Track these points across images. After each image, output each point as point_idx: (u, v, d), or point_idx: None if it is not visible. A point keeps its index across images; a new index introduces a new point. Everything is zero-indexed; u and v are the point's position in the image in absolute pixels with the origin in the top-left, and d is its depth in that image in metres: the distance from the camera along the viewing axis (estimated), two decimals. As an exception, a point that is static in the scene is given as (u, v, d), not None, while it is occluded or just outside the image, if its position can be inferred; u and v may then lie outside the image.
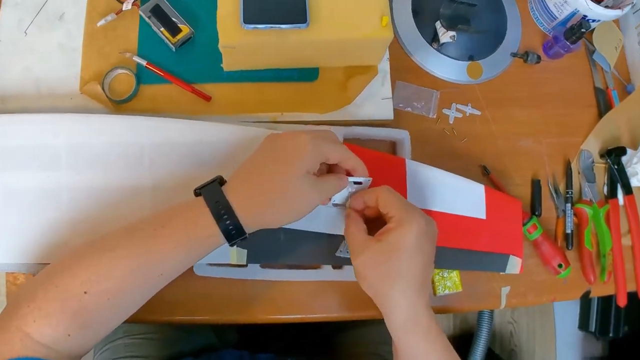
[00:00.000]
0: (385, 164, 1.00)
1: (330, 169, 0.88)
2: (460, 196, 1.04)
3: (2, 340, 0.69)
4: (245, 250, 0.94)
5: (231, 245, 0.78)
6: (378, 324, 1.24)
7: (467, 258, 1.03)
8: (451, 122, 1.16)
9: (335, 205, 0.93)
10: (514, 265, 1.05)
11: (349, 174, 0.86)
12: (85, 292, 0.70)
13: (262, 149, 0.82)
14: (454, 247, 1.02)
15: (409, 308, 0.81)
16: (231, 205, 0.75)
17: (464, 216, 1.03)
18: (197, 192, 0.79)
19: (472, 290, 1.08)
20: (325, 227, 0.95)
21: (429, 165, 1.03)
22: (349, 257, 0.90)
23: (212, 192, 0.77)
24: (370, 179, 0.88)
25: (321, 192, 0.81)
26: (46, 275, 0.73)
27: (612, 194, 1.18)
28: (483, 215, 1.04)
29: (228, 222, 0.74)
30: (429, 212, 1.00)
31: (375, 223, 0.86)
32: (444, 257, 1.01)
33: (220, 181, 0.79)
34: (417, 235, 0.80)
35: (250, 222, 0.76)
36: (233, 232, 0.76)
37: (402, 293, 0.81)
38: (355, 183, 0.89)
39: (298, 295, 1.01)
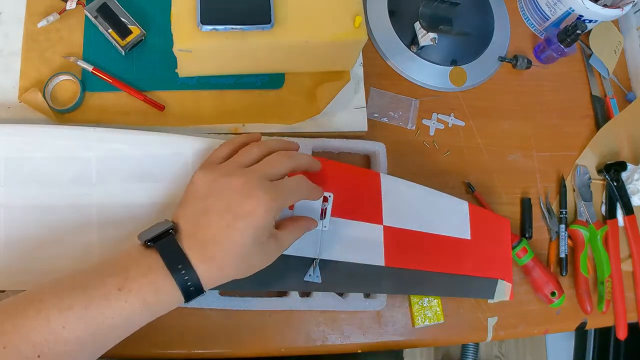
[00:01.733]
0: (358, 179, 1.02)
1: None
2: (442, 214, 1.06)
3: None
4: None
5: (186, 302, 0.80)
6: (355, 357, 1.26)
7: (449, 283, 1.05)
8: (432, 134, 1.20)
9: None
10: (503, 290, 1.08)
11: None
12: (38, 356, 0.70)
13: (207, 182, 0.84)
14: (435, 271, 1.04)
15: None
16: (191, 263, 0.77)
17: (446, 236, 1.06)
18: (149, 244, 0.80)
19: (456, 320, 1.10)
20: (293, 249, 0.96)
21: (407, 181, 1.05)
22: (319, 282, 0.94)
23: (169, 249, 0.78)
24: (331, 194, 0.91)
25: (282, 248, 0.86)
26: None
27: (611, 214, 1.21)
28: (467, 236, 1.07)
29: (189, 282, 0.76)
30: (406, 232, 1.03)
31: None
32: (424, 283, 1.03)
33: (173, 230, 0.81)
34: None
35: (209, 280, 0.79)
36: (192, 291, 0.78)
37: None
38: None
39: (262, 326, 1.03)
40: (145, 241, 0.79)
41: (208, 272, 0.78)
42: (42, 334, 0.70)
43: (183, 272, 0.76)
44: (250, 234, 0.79)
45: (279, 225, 0.88)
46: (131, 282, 0.75)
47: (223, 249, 0.78)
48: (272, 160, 0.86)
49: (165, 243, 0.78)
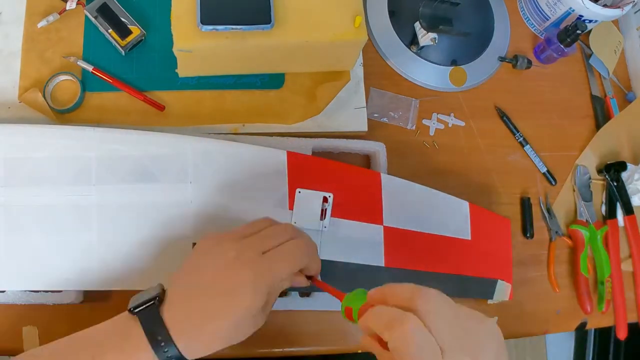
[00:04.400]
0: (358, 179, 1.02)
1: None
2: (442, 215, 1.06)
3: None
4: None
5: None
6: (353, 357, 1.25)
7: (449, 284, 1.05)
8: (432, 134, 1.20)
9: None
10: (503, 291, 1.08)
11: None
12: None
13: (197, 263, 0.82)
14: (436, 271, 1.05)
15: None
16: (171, 337, 0.74)
17: (446, 237, 1.06)
18: (132, 312, 0.77)
19: None
20: None
21: (408, 181, 1.05)
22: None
23: (151, 319, 0.76)
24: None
25: (269, 310, 0.84)
26: None
27: (611, 214, 1.21)
28: (468, 236, 1.07)
29: (169, 355, 0.74)
30: (407, 233, 1.03)
31: None
32: (424, 283, 1.01)
33: (159, 299, 0.78)
34: None
35: (191, 354, 0.76)
36: None
37: None
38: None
39: (262, 326, 1.01)
40: (129, 309, 0.77)
41: (190, 347, 0.75)
42: None
43: (163, 344, 0.73)
44: (238, 314, 0.76)
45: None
46: (105, 354, 0.74)
47: (210, 324, 0.76)
48: (271, 229, 0.84)
49: (147, 313, 0.76)
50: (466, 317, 0.69)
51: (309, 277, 0.88)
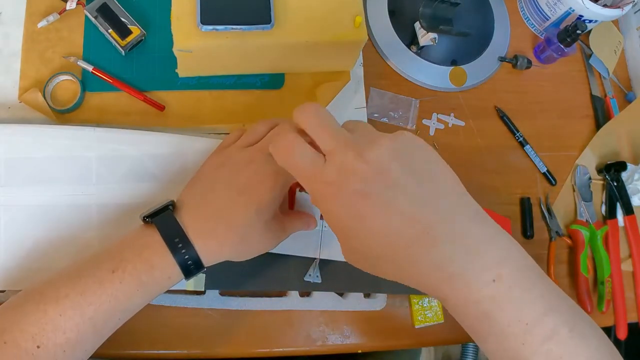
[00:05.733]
0: None
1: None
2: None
3: None
4: (204, 275, 0.96)
5: (187, 279, 0.79)
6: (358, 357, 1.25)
7: (449, 284, 1.05)
8: (432, 134, 1.19)
9: None
10: (502, 292, 1.08)
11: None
12: (38, 347, 0.70)
13: (215, 166, 0.85)
14: (435, 272, 1.04)
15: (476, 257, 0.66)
16: (189, 238, 0.76)
17: (446, 237, 1.05)
18: (147, 220, 0.79)
19: (456, 321, 1.09)
20: (293, 249, 0.97)
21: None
22: (319, 282, 0.94)
23: (167, 223, 0.77)
24: None
25: (283, 236, 0.85)
26: None
27: (611, 214, 1.21)
28: (467, 237, 1.07)
29: (187, 257, 0.75)
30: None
31: None
32: None
33: (172, 206, 0.81)
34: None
35: (208, 256, 0.78)
36: (192, 267, 0.77)
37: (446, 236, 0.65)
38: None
39: (262, 326, 1.03)
40: (143, 217, 0.79)
41: (207, 247, 0.77)
42: (39, 324, 0.71)
43: (180, 245, 0.75)
44: (254, 210, 0.78)
45: (283, 214, 0.88)
46: (125, 263, 0.75)
47: (224, 223, 0.77)
48: (275, 132, 0.85)
49: (163, 218, 0.78)
50: (355, 125, 0.73)
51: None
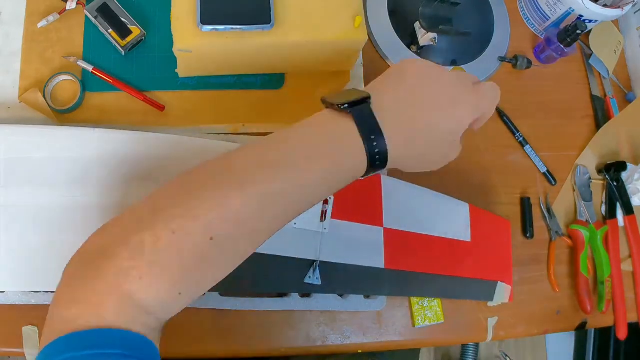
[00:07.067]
0: (358, 181, 1.00)
1: None
2: (443, 216, 1.06)
3: (91, 302, 0.60)
4: (203, 276, 0.96)
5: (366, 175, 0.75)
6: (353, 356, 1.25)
7: (450, 285, 1.06)
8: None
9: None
10: (503, 293, 1.08)
11: None
12: (211, 238, 0.64)
13: (422, 74, 0.80)
14: (436, 273, 1.04)
15: None
16: (385, 136, 0.72)
17: (447, 238, 1.06)
18: (344, 108, 0.73)
19: (456, 321, 1.10)
20: (293, 251, 0.97)
21: (408, 183, 1.05)
22: (319, 284, 0.93)
23: (365, 118, 0.73)
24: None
25: (456, 154, 0.83)
26: (151, 213, 0.67)
27: (611, 214, 1.21)
28: (468, 238, 1.08)
29: (377, 150, 0.72)
30: (407, 234, 1.03)
31: None
32: (423, 285, 1.04)
33: (369, 98, 0.76)
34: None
35: (395, 155, 0.74)
36: (377, 163, 0.73)
37: None
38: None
39: (262, 326, 1.03)
40: (338, 104, 0.73)
41: (396, 146, 0.73)
42: (217, 212, 0.65)
43: (373, 137, 0.71)
44: (449, 133, 0.77)
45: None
46: (321, 150, 0.71)
47: (418, 131, 0.75)
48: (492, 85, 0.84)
49: (361, 110, 0.73)
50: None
51: None
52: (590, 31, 1.32)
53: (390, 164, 0.75)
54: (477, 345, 2.27)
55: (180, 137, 0.97)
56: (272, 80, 1.10)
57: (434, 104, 0.76)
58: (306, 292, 1.00)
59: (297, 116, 1.03)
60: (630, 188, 1.21)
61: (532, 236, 1.18)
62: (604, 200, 1.23)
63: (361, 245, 0.99)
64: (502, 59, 1.27)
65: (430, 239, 1.05)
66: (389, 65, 1.22)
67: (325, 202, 0.94)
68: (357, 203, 0.96)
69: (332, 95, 0.76)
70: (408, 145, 0.75)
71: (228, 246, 0.66)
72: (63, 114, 1.03)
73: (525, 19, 1.34)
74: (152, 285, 0.61)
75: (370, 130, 0.71)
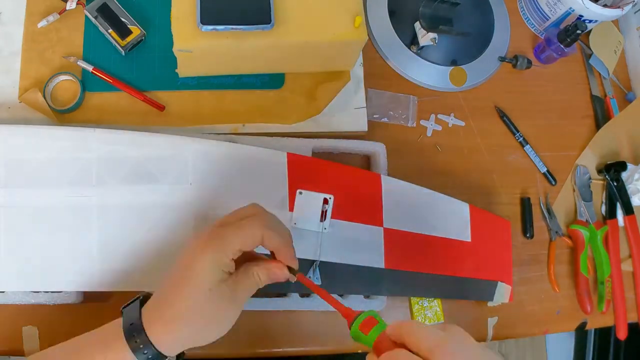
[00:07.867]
0: (359, 181, 1.02)
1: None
2: (443, 216, 1.06)
3: None
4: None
5: None
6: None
7: (450, 286, 1.05)
8: (430, 135, 1.19)
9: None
10: (503, 293, 1.08)
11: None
12: None
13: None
14: (436, 273, 1.04)
15: None
16: (145, 331, 0.71)
17: (447, 238, 1.05)
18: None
19: (456, 320, 1.10)
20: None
21: (408, 182, 1.05)
22: (319, 283, 0.93)
23: (131, 316, 0.73)
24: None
25: (240, 299, 0.78)
26: None
27: (611, 214, 1.21)
28: (468, 238, 1.07)
29: (146, 352, 0.71)
30: (407, 234, 1.03)
31: None
32: (424, 285, 1.03)
33: (143, 299, 0.76)
34: None
35: (168, 348, 0.73)
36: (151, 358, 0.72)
37: None
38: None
39: (262, 326, 1.03)
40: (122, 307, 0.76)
41: (160, 338, 0.71)
42: None
43: (137, 341, 0.71)
44: (192, 289, 0.72)
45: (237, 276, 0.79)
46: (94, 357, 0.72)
47: (169, 308, 0.73)
48: (237, 210, 0.80)
49: (130, 309, 0.74)
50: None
51: (292, 273, 0.82)
52: (590, 31, 1.32)
53: (173, 354, 0.74)
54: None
55: (180, 137, 0.96)
56: (272, 80, 1.10)
57: (172, 275, 0.75)
58: (306, 292, 1.00)
59: (297, 116, 1.03)
60: (630, 188, 1.20)
61: (532, 236, 1.18)
62: (604, 200, 1.22)
63: (361, 245, 0.99)
64: (502, 59, 1.27)
65: (430, 239, 1.04)
66: (388, 65, 1.22)
67: (326, 202, 0.93)
68: (357, 203, 0.96)
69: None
70: (171, 332, 0.73)
71: None
72: (63, 114, 1.03)
73: (525, 19, 1.34)
74: None
75: (132, 331, 0.71)
